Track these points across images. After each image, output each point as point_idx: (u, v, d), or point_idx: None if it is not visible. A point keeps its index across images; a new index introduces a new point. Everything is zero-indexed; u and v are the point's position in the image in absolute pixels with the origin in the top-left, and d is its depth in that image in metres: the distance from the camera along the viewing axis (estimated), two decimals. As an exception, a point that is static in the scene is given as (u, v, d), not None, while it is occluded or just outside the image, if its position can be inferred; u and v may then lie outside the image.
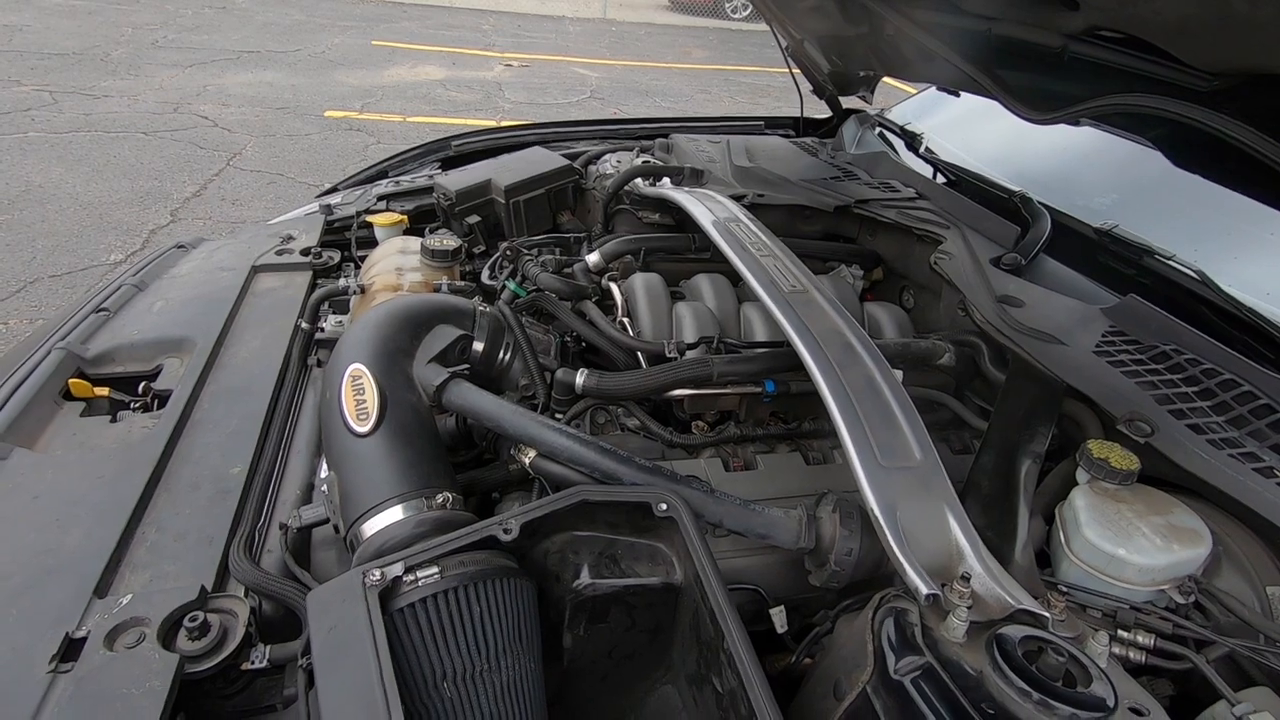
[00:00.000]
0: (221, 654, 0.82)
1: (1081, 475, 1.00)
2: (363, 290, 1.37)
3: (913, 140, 2.04)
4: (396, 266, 1.46)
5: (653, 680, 1.03)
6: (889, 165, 1.92)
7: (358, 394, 1.03)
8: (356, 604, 0.79)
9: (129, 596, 0.85)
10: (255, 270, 1.57)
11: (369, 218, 1.84)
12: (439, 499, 0.96)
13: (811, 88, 2.37)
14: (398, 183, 2.00)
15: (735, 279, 1.52)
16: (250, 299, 1.47)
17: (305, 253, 1.65)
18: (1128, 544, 0.90)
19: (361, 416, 1.01)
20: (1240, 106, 0.92)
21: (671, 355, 1.19)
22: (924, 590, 0.80)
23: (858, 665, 0.81)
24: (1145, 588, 0.90)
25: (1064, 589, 0.89)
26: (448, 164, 2.22)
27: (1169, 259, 1.30)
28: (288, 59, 7.57)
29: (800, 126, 2.51)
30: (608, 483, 0.96)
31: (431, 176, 2.04)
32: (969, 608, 0.78)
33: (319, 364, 1.37)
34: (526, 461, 1.02)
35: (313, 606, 0.79)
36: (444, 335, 1.18)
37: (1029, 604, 0.81)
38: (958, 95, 1.83)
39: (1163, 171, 1.46)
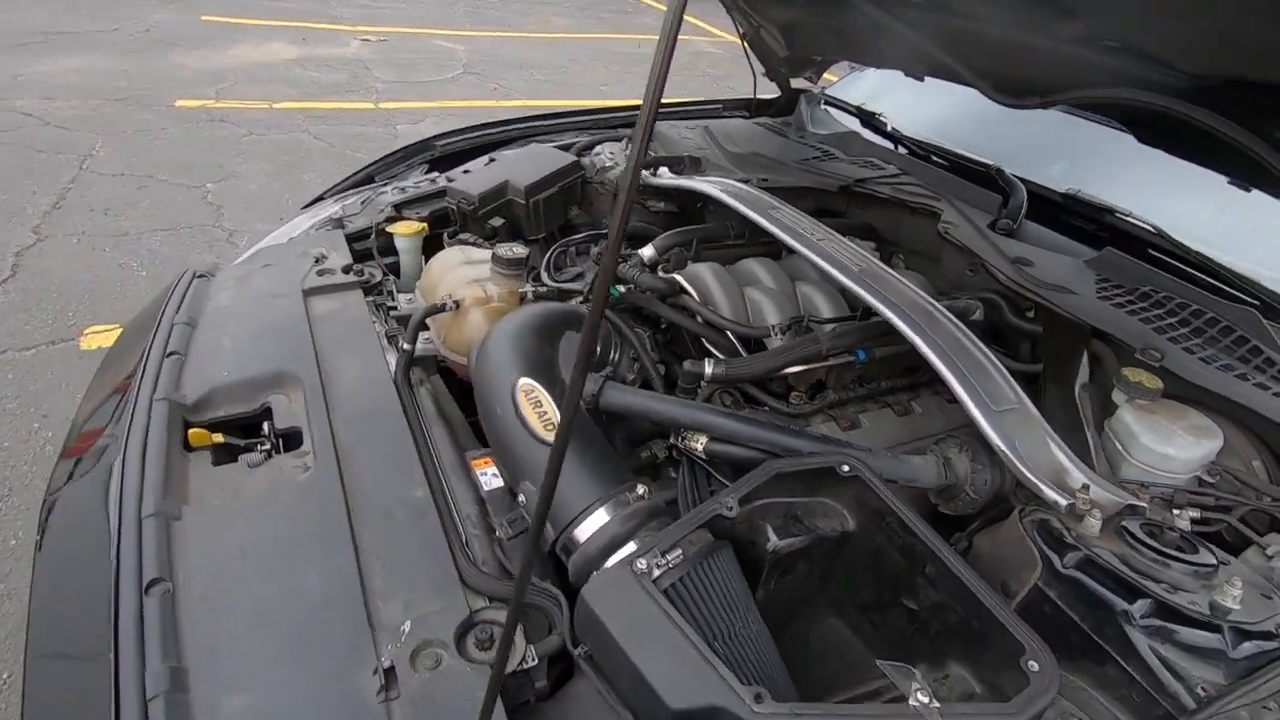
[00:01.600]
0: (516, 659, 0.89)
1: (1119, 397, 1.27)
2: (457, 306, 1.39)
3: (871, 119, 2.28)
4: (471, 279, 1.48)
5: (819, 617, 1.20)
6: (861, 144, 2.15)
7: (536, 407, 1.10)
8: (635, 591, 0.89)
9: (408, 623, 0.89)
10: (307, 294, 1.52)
11: (389, 228, 1.80)
12: (638, 491, 1.06)
13: (764, 70, 2.54)
14: (403, 189, 1.96)
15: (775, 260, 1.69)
16: (320, 325, 1.43)
17: (346, 270, 1.61)
18: (1172, 443, 1.18)
19: (549, 427, 1.08)
20: (1219, 102, 1.20)
21: (777, 337, 1.34)
22: (1063, 501, 1.03)
23: (1025, 566, 1.02)
24: (1185, 475, 1.19)
25: (1143, 484, 1.16)
26: (434, 165, 2.19)
27: (1127, 216, 1.63)
28: (107, 39, 6.66)
29: (754, 108, 2.69)
30: (780, 455, 1.11)
31: (434, 180, 2.01)
32: (1096, 509, 1.02)
33: (421, 382, 1.38)
34: (699, 448, 1.14)
35: (593, 601, 0.88)
36: (575, 341, 1.26)
37: (1131, 500, 1.06)
38: (922, 80, 2.07)
39: (1107, 139, 1.79)
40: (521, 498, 1.07)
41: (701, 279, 1.54)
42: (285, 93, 6.13)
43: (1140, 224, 1.60)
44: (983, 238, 1.62)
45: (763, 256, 1.76)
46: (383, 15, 9.06)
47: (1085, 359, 1.33)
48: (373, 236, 1.81)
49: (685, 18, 0.47)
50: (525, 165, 1.96)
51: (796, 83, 2.65)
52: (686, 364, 1.27)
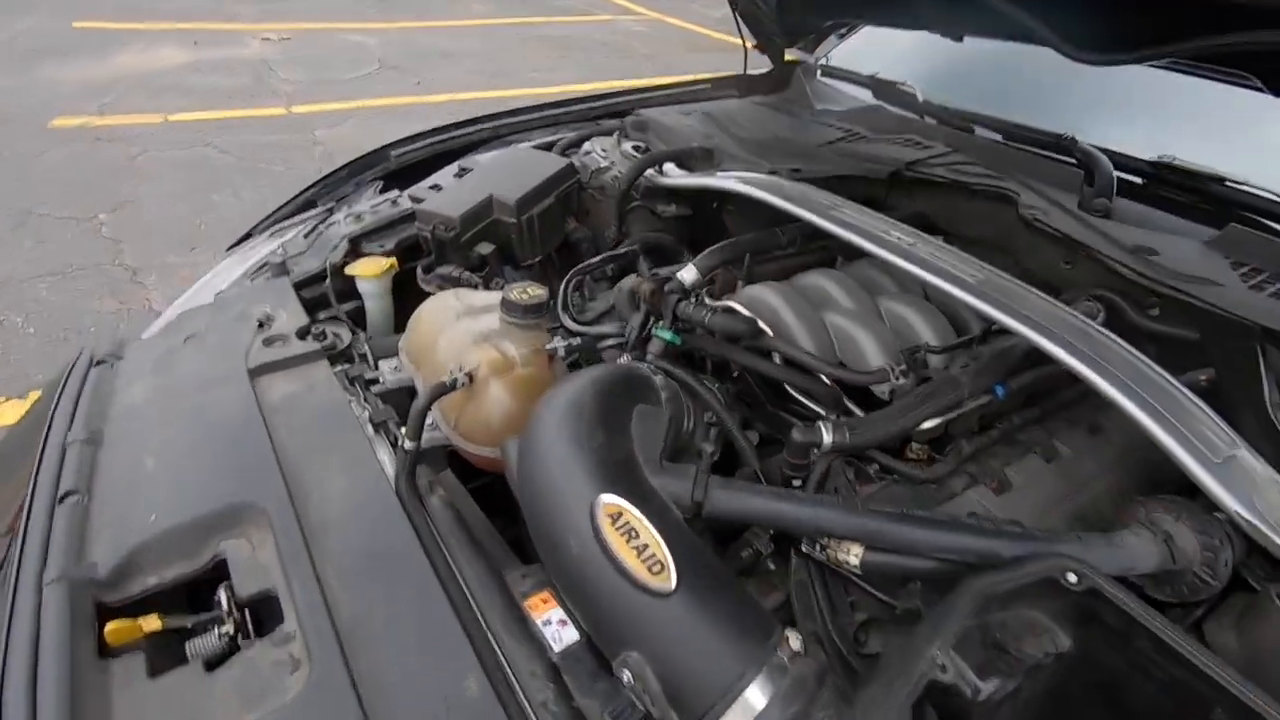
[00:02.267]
0: None
1: None
2: (470, 379, 1.03)
3: (889, 89, 2.00)
4: (477, 336, 1.12)
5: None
6: (891, 119, 1.86)
7: (630, 538, 0.76)
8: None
9: None
10: (254, 375, 1.13)
11: (349, 269, 1.42)
12: (791, 643, 0.74)
13: (754, 42, 2.22)
14: (357, 216, 1.56)
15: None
16: (279, 419, 1.05)
17: (303, 335, 1.23)
18: None
19: (655, 569, 0.74)
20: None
21: (896, 380, 1.03)
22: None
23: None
24: None
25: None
26: (390, 180, 1.79)
27: (1242, 185, 1.39)
28: (-38, 55, 5.82)
29: (745, 85, 2.37)
30: (963, 561, 0.81)
31: (395, 201, 1.62)
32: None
33: (432, 486, 1.02)
34: (854, 561, 0.82)
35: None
36: (650, 422, 0.92)
37: None
38: (960, 40, 1.80)
39: (1184, 91, 1.55)
40: (627, 675, 0.73)
41: (768, 306, 1.21)
42: (180, 103, 5.46)
43: (1259, 192, 1.37)
44: (1082, 223, 1.36)
45: (820, 267, 1.46)
46: (284, 10, 8.30)
47: (1262, 368, 1.08)
48: (328, 281, 1.42)
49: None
50: (508, 174, 1.59)
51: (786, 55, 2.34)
52: (795, 433, 0.95)
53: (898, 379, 1.03)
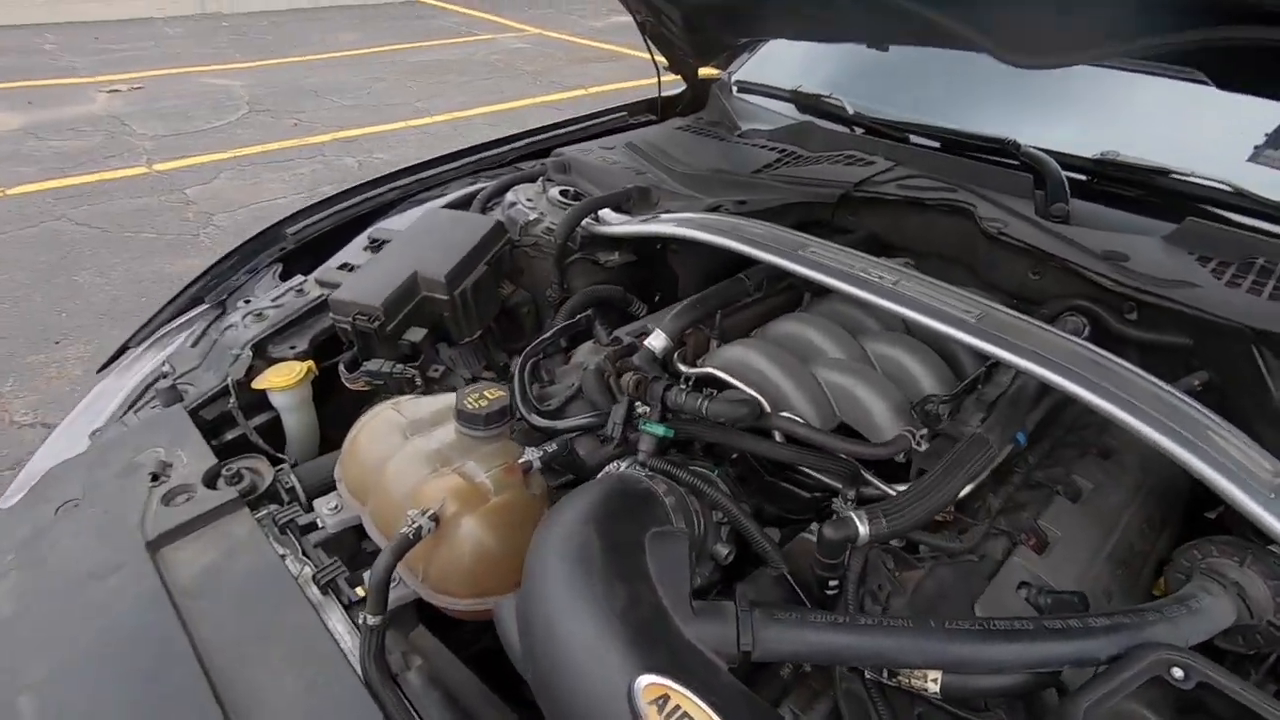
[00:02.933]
0: None
1: None
2: (436, 523, 0.85)
3: (815, 102, 1.93)
4: (435, 461, 0.94)
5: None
6: (823, 135, 1.79)
7: (684, 727, 0.62)
8: None
9: None
10: (154, 549, 0.91)
11: (257, 382, 1.20)
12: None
13: (668, 64, 2.11)
14: (258, 314, 1.33)
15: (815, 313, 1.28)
16: (196, 609, 0.84)
17: (212, 482, 1.01)
18: None
19: (722, 765, 0.60)
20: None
21: (920, 444, 0.93)
22: None
23: None
24: None
25: None
26: (290, 261, 1.56)
27: (1187, 176, 1.38)
28: None
29: (660, 108, 2.26)
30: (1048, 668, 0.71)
31: (300, 289, 1.40)
32: None
33: (407, 661, 0.84)
34: (933, 688, 0.71)
35: None
36: (669, 554, 0.77)
37: None
38: (885, 50, 1.74)
39: (1106, 84, 1.55)
40: None
41: (755, 371, 1.09)
42: (20, 173, 4.87)
43: (1204, 181, 1.36)
44: (1047, 233, 1.31)
45: (787, 309, 1.36)
46: (128, 59, 7.62)
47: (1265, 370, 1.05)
48: (233, 399, 1.20)
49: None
50: (430, 243, 1.41)
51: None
52: (827, 530, 0.83)
53: (919, 444, 0.93)
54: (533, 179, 1.76)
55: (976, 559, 0.91)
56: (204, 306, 1.48)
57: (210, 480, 1.01)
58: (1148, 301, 1.15)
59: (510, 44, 9.01)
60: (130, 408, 1.23)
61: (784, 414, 0.99)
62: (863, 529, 0.83)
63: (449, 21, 10.18)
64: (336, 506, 1.00)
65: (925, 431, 0.93)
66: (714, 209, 1.54)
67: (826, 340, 1.18)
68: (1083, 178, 1.50)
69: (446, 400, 1.06)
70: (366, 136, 5.79)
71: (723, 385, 1.09)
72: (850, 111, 1.82)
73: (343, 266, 1.46)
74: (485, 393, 1.00)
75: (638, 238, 1.48)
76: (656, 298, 1.73)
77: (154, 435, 1.09)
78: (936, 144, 1.69)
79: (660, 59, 2.08)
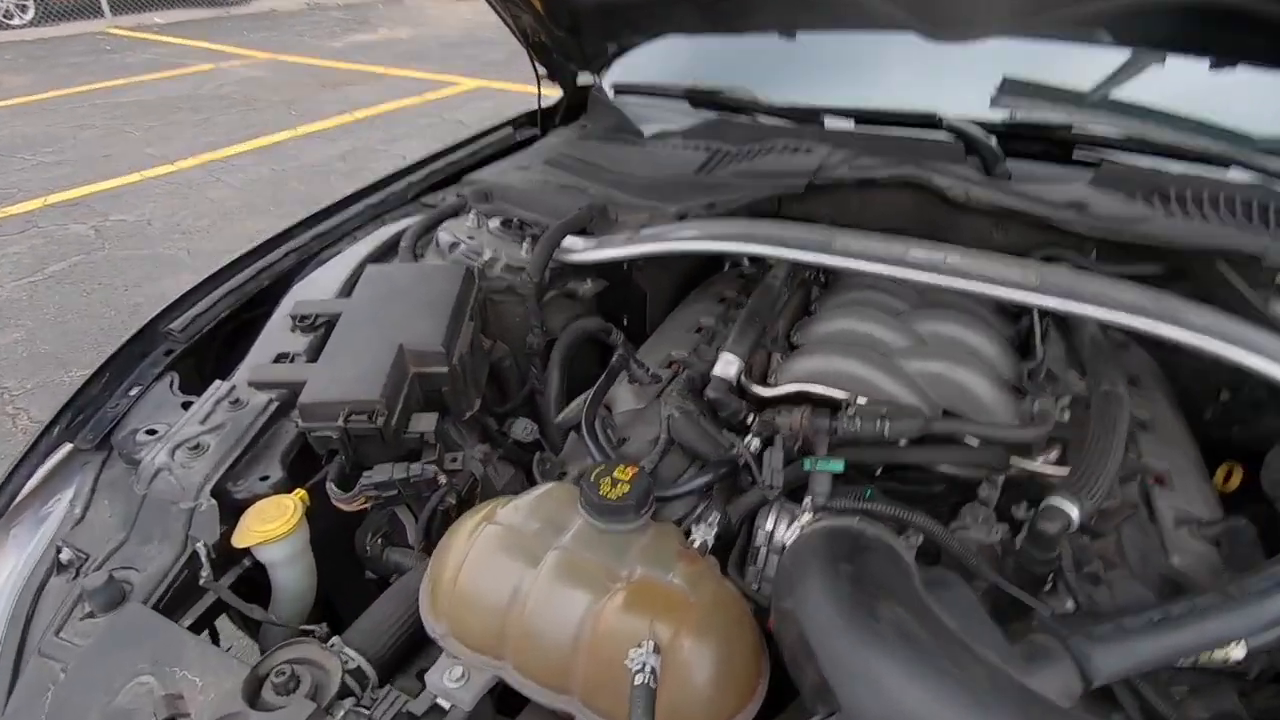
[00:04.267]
0: None
1: None
2: (654, 676, 0.65)
3: (713, 97, 1.90)
4: (596, 578, 0.74)
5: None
6: (743, 129, 1.76)
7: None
8: None
9: None
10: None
11: (241, 539, 0.87)
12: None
13: (547, 73, 1.95)
14: (194, 446, 0.96)
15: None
16: None
17: (260, 700, 0.71)
18: None
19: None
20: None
21: (1063, 411, 0.92)
22: None
23: None
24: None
25: None
26: (179, 368, 1.16)
27: (1085, 126, 1.56)
28: None
29: (541, 119, 2.07)
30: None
31: (234, 401, 1.04)
32: None
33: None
34: (1239, 655, 0.69)
35: None
36: (959, 603, 0.68)
37: None
38: (794, 38, 1.74)
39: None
40: None
41: (856, 378, 1.03)
42: None
43: (1101, 130, 1.55)
44: (1009, 192, 1.40)
45: (802, 307, 1.31)
46: None
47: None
48: (206, 571, 0.86)
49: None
50: (398, 306, 1.13)
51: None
52: (1044, 524, 0.79)
53: (1063, 415, 0.93)
54: (456, 213, 1.52)
55: (1131, 510, 0.94)
56: (67, 450, 1.05)
57: (255, 695, 0.71)
58: (1122, 240, 1.28)
59: (241, 73, 7.94)
60: (25, 636, 0.83)
61: (948, 416, 0.94)
62: (1074, 513, 0.81)
63: (150, 54, 8.71)
64: (463, 675, 0.74)
65: (1067, 399, 0.93)
66: (681, 216, 1.44)
67: (883, 330, 1.15)
68: (995, 140, 1.63)
69: (547, 496, 0.85)
70: (93, 196, 4.74)
71: (802, 399, 1.01)
72: (763, 101, 1.81)
73: (281, 358, 1.12)
74: (614, 474, 0.81)
75: (624, 260, 1.33)
76: (625, 321, 1.59)
77: (122, 664, 0.74)
78: (850, 124, 1.74)
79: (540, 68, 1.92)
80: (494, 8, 1.71)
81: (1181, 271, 1.29)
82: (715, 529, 0.81)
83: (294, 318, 1.21)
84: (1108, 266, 1.33)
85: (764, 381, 1.09)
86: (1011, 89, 1.73)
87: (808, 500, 0.85)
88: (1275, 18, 1.18)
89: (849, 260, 1.13)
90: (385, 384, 1.00)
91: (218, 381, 1.09)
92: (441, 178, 1.70)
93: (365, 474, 1.00)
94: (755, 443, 0.96)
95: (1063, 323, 1.19)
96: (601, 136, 1.86)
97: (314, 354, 1.15)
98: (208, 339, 1.21)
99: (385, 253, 1.42)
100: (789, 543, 0.80)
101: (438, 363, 1.08)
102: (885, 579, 0.67)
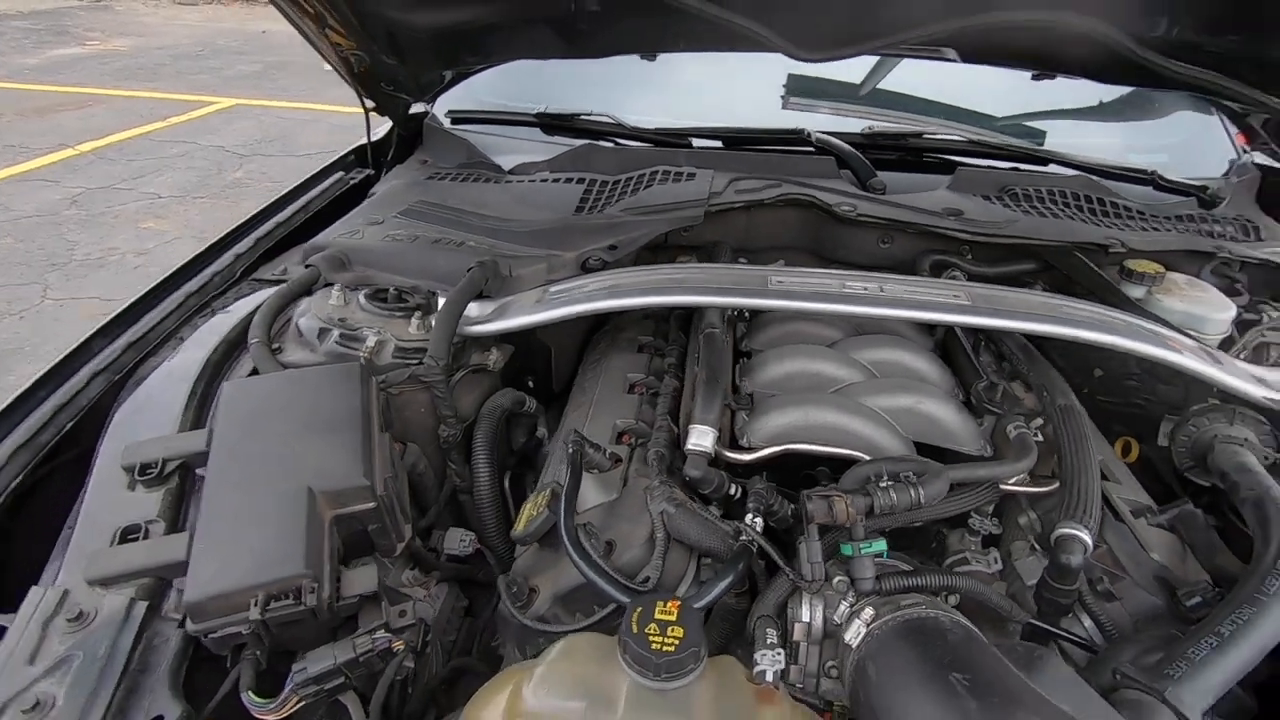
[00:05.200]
0: None
1: (1134, 290, 1.33)
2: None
3: (569, 121, 1.77)
4: None
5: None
6: (612, 156, 1.65)
7: None
8: None
9: None
10: None
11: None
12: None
13: (375, 106, 1.69)
14: (34, 707, 0.66)
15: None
16: None
17: None
18: (1213, 308, 1.30)
19: None
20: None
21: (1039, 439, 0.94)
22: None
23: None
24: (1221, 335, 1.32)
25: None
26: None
27: (935, 134, 1.67)
28: None
29: (371, 156, 1.80)
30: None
31: (77, 615, 0.73)
32: None
33: None
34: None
35: None
36: (1055, 677, 0.64)
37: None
38: (654, 59, 1.64)
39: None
40: None
41: (828, 428, 0.98)
42: None
43: (947, 135, 1.67)
44: (889, 205, 1.45)
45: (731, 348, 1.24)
46: None
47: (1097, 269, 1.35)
48: None
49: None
50: (290, 435, 0.88)
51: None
52: (1068, 559, 0.79)
53: (1039, 436, 0.96)
54: (309, 289, 1.25)
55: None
56: None
57: None
58: (995, 243, 1.37)
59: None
60: None
61: (939, 456, 0.91)
62: (1088, 538, 0.82)
63: None
64: None
65: (1039, 421, 0.96)
66: (586, 266, 1.32)
67: (833, 366, 1.12)
68: (856, 151, 1.69)
69: (573, 658, 0.70)
70: None
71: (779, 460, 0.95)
72: (629, 126, 1.71)
73: (130, 535, 0.82)
74: (656, 616, 0.68)
75: (542, 325, 1.17)
76: (530, 384, 1.43)
77: None
78: (720, 144, 1.71)
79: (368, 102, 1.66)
80: (309, 39, 1.44)
81: (1049, 264, 1.42)
82: (780, 657, 0.71)
83: (129, 469, 0.90)
84: (992, 269, 1.43)
85: (734, 445, 1.01)
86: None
87: (840, 582, 0.79)
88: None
89: (792, 301, 1.08)
90: (306, 549, 0.77)
91: (33, 590, 0.77)
92: (273, 244, 1.40)
93: (296, 667, 0.76)
94: (759, 522, 0.88)
95: (982, 333, 1.24)
96: (454, 175, 1.65)
97: (173, 517, 0.87)
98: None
99: (227, 354, 1.13)
100: (850, 637, 0.72)
101: (361, 499, 0.86)
102: (995, 678, 0.62)
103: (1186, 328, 1.22)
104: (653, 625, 0.67)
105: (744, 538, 0.85)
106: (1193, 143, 1.88)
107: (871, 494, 0.80)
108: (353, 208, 1.61)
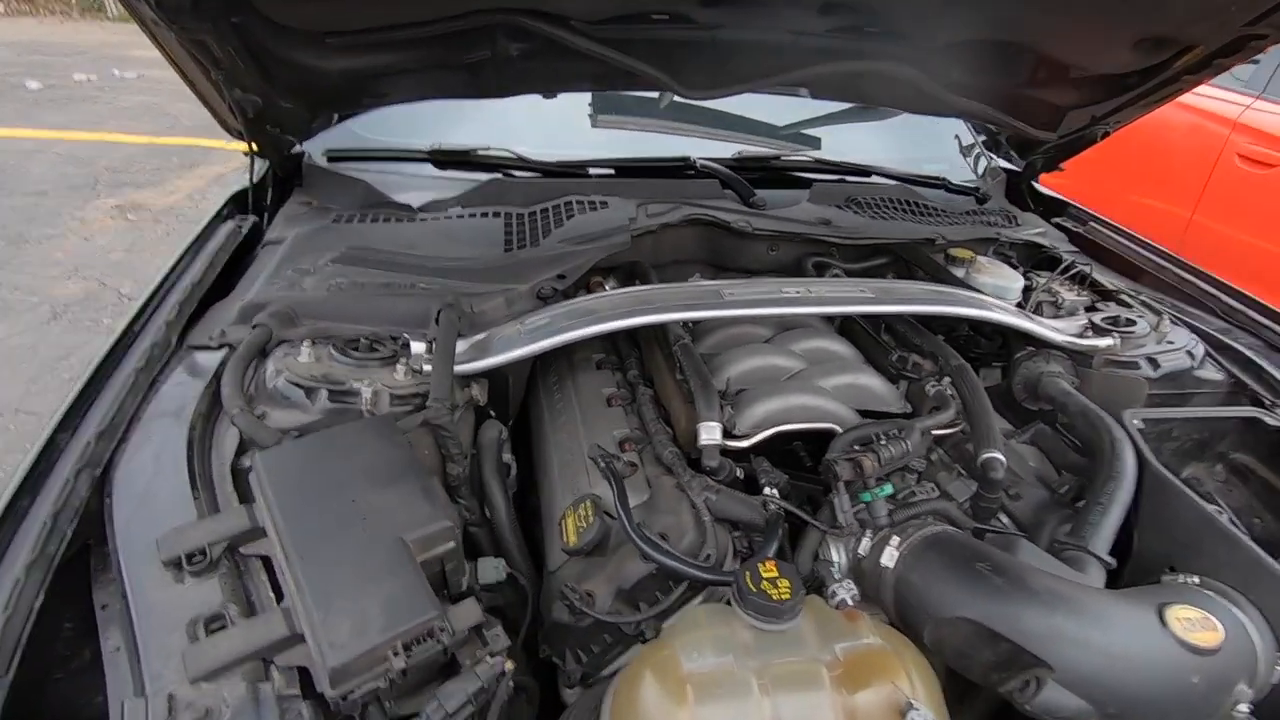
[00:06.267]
0: None
1: (959, 271, 1.74)
2: None
3: (464, 157, 1.81)
4: (813, 685, 0.77)
5: None
6: (519, 188, 1.74)
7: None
8: None
9: None
10: None
11: None
12: None
13: (257, 149, 1.60)
14: None
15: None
16: None
17: None
18: (1011, 280, 1.74)
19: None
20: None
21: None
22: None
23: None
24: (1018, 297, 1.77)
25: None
26: None
27: (789, 155, 1.98)
28: None
29: (250, 201, 1.68)
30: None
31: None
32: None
33: None
34: None
35: None
36: (1028, 549, 0.91)
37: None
38: (554, 96, 1.71)
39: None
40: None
41: (810, 409, 1.20)
42: None
43: (797, 157, 1.99)
44: (776, 219, 1.71)
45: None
46: None
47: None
48: None
49: None
50: (351, 497, 0.89)
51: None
52: (991, 474, 1.08)
53: (948, 390, 1.26)
54: (263, 351, 1.20)
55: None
56: None
57: None
58: (858, 243, 1.70)
59: None
60: None
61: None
62: (1003, 458, 1.13)
63: None
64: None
65: (947, 380, 1.26)
66: (541, 296, 1.41)
67: (781, 358, 1.35)
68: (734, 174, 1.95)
69: (698, 624, 0.83)
70: None
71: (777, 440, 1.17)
72: (531, 159, 1.80)
73: (215, 624, 0.79)
74: (763, 576, 0.84)
75: (526, 358, 1.25)
76: (490, 411, 1.48)
77: None
78: (611, 171, 1.87)
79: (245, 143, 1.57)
80: (192, 83, 1.35)
81: (897, 257, 1.78)
82: (851, 585, 0.90)
83: (172, 564, 0.84)
84: (858, 265, 1.76)
85: (727, 435, 1.19)
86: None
87: (851, 525, 1.01)
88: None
89: (743, 309, 1.28)
90: (428, 593, 0.81)
91: (126, 703, 0.72)
92: (195, 307, 1.30)
93: (431, 707, 0.80)
94: (775, 493, 1.07)
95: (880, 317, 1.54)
96: (362, 217, 1.63)
97: (242, 598, 0.84)
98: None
99: (205, 430, 1.06)
100: (885, 560, 0.94)
101: (444, 540, 0.90)
102: (1003, 560, 0.87)
103: (997, 297, 1.63)
104: (764, 583, 0.83)
105: (772, 507, 1.04)
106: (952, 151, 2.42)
107: (878, 451, 1.03)
108: (249, 257, 1.53)
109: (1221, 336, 1.57)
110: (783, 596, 0.81)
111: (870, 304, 1.32)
